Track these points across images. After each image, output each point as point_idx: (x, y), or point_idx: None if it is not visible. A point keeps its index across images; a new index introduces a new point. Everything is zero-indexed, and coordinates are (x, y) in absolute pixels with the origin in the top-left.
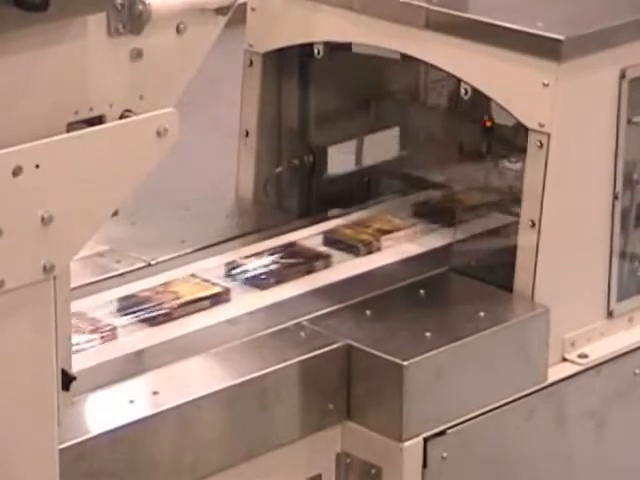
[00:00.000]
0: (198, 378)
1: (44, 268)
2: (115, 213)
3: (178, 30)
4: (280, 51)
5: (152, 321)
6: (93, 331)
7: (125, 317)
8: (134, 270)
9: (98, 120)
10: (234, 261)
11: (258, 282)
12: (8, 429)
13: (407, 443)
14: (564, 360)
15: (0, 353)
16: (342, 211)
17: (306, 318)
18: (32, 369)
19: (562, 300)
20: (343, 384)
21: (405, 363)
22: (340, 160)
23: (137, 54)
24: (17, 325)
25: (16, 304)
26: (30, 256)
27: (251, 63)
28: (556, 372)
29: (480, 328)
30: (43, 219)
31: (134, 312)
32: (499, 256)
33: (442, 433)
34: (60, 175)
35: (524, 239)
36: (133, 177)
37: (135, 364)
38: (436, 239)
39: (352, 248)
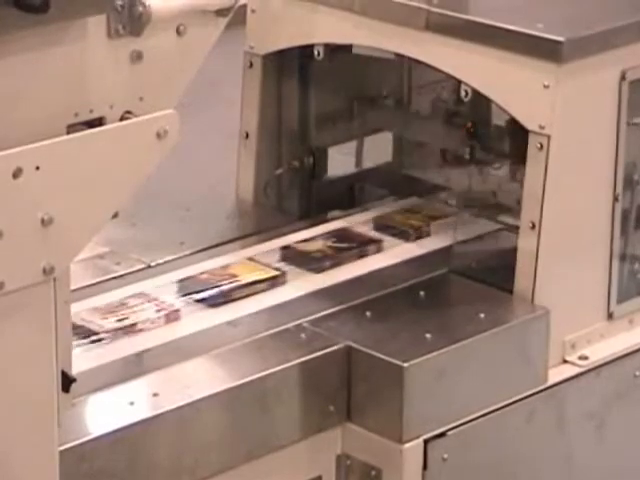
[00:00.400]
0: (198, 380)
1: (44, 270)
2: (115, 215)
3: (178, 32)
4: (280, 53)
5: (212, 302)
6: (158, 311)
7: (186, 298)
8: (134, 272)
9: (98, 122)
10: (289, 245)
11: (313, 265)
12: (8, 430)
13: (407, 445)
14: (564, 362)
15: (0, 354)
16: (342, 212)
17: (306, 319)
18: (32, 370)
19: (562, 302)
20: (343, 385)
21: (405, 364)
22: (340, 161)
23: (137, 56)
24: (17, 326)
25: (16, 306)
26: (30, 258)
27: (251, 65)
28: (556, 374)
29: (480, 330)
30: (43, 221)
31: (195, 294)
32: (499, 258)
33: (442, 435)
34: (60, 177)
35: (524, 241)
36: (133, 179)
37: (135, 366)
38: (436, 241)
39: (403, 233)
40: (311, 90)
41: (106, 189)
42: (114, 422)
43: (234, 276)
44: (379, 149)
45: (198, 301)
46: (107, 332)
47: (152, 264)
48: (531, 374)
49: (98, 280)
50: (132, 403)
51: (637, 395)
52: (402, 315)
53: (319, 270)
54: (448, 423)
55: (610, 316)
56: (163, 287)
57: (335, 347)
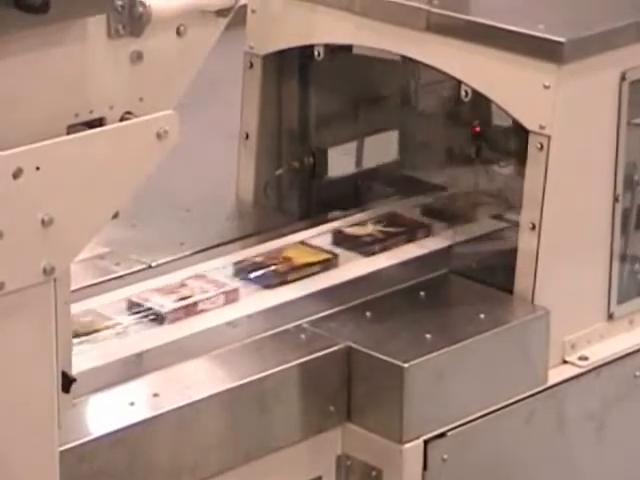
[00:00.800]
0: (198, 380)
1: (44, 270)
2: (115, 215)
3: (178, 32)
4: (280, 53)
5: (268, 284)
6: (217, 292)
7: (243, 280)
8: (134, 272)
9: (98, 122)
10: (339, 229)
11: (363, 249)
12: (8, 431)
13: (407, 445)
14: (564, 362)
15: (0, 355)
16: (343, 213)
17: (306, 320)
18: (32, 371)
19: (562, 302)
20: (343, 386)
21: (405, 365)
22: (340, 162)
23: (137, 56)
24: (17, 327)
25: (16, 306)
26: (30, 258)
27: (251, 65)
28: (556, 374)
29: (480, 330)
30: (43, 221)
31: (251, 276)
32: (499, 258)
33: (442, 435)
34: (60, 177)
35: (524, 241)
36: (133, 179)
37: (135, 366)
38: (436, 241)
39: (449, 219)
40: (311, 90)
41: (106, 190)
42: (114, 422)
43: (288, 259)
44: (380, 149)
45: (254, 282)
46: (169, 311)
47: (152, 264)
48: (531, 374)
49: (98, 280)
50: (132, 403)
51: (637, 396)
52: (402, 315)
53: (370, 253)
54: (448, 423)
55: (610, 317)
56: (220, 269)
57: (335, 347)
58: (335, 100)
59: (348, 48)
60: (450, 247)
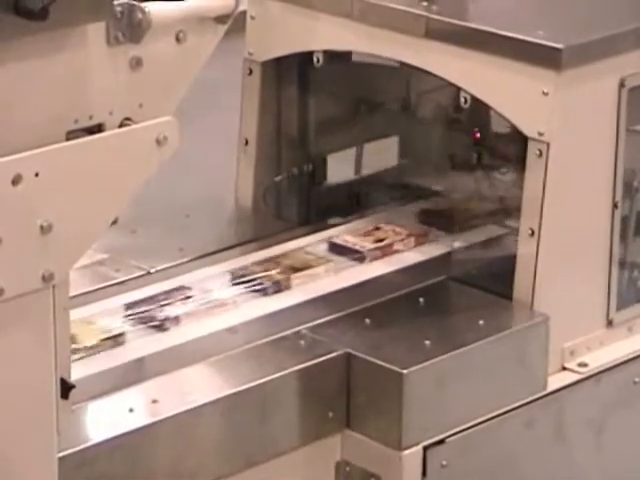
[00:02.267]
0: (197, 386)
1: (43, 277)
2: (114, 221)
3: (177, 39)
4: (279, 59)
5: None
6: (408, 235)
7: (427, 225)
8: (133, 278)
9: (98, 128)
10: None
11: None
12: (7, 437)
13: (407, 451)
14: (564, 369)
15: None
16: (342, 219)
17: (305, 326)
18: (31, 377)
19: (562, 309)
20: (342, 392)
21: (405, 371)
22: (340, 168)
23: (137, 62)
24: (16, 333)
25: (15, 312)
26: (29, 265)
27: (250, 72)
28: (556, 381)
29: (480, 336)
30: (42, 228)
31: (432, 221)
32: (499, 264)
33: (442, 442)
34: (60, 183)
35: (523, 247)
36: (132, 185)
37: (134, 372)
38: (435, 247)
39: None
40: (310, 97)
41: (105, 196)
42: (113, 429)
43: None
44: (379, 155)
45: (440, 229)
46: (369, 251)
47: (151, 271)
48: (530, 381)
49: (97, 287)
50: (131, 410)
51: (637, 402)
52: (401, 322)
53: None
54: (447, 430)
55: (609, 323)
56: (407, 215)
57: (334, 354)
58: (334, 106)
59: (347, 54)
60: (449, 253)
